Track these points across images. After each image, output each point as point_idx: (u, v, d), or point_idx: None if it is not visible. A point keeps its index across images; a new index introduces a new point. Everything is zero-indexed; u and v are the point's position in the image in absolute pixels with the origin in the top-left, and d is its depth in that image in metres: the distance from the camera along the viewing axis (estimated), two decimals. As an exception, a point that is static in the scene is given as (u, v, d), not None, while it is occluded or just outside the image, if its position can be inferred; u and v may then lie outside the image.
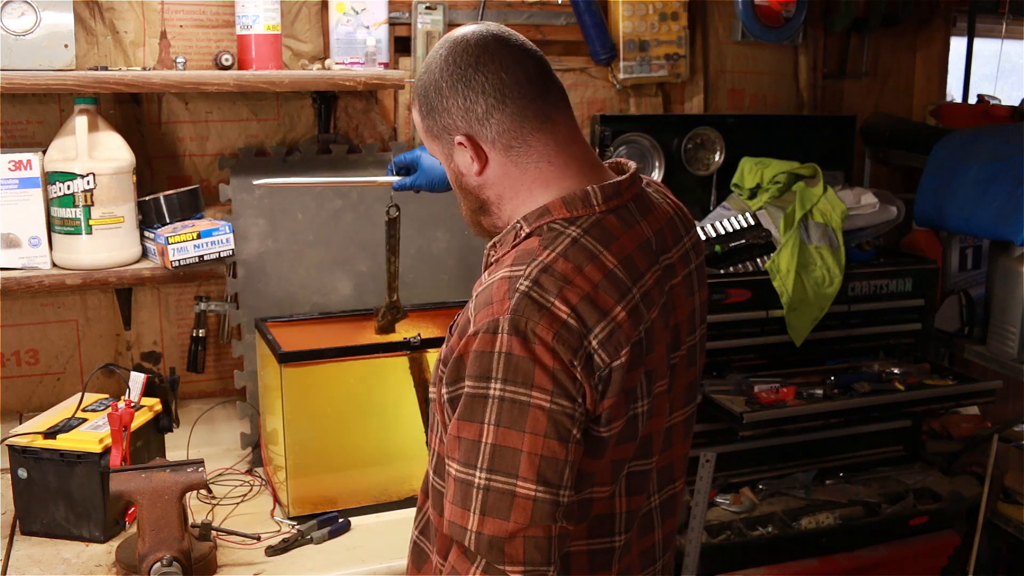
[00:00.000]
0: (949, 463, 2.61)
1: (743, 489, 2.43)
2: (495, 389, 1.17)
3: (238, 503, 2.14)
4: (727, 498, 2.40)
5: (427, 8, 2.49)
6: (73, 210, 2.10)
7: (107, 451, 1.92)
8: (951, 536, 2.53)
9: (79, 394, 2.08)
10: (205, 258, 2.19)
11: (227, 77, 2.16)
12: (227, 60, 2.27)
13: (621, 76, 2.74)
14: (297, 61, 2.43)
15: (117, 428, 1.92)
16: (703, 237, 2.45)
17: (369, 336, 2.22)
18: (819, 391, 2.38)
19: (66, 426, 1.98)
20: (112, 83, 2.08)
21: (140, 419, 2.01)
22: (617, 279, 1.23)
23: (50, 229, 2.14)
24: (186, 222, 2.24)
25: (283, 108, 2.49)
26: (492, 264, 1.33)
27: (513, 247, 1.29)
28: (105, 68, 2.19)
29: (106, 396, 2.16)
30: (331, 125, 2.51)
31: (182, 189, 2.29)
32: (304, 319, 2.31)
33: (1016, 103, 3.14)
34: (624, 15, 2.70)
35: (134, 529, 1.91)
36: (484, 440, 1.18)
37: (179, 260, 2.14)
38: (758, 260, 2.47)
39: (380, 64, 2.39)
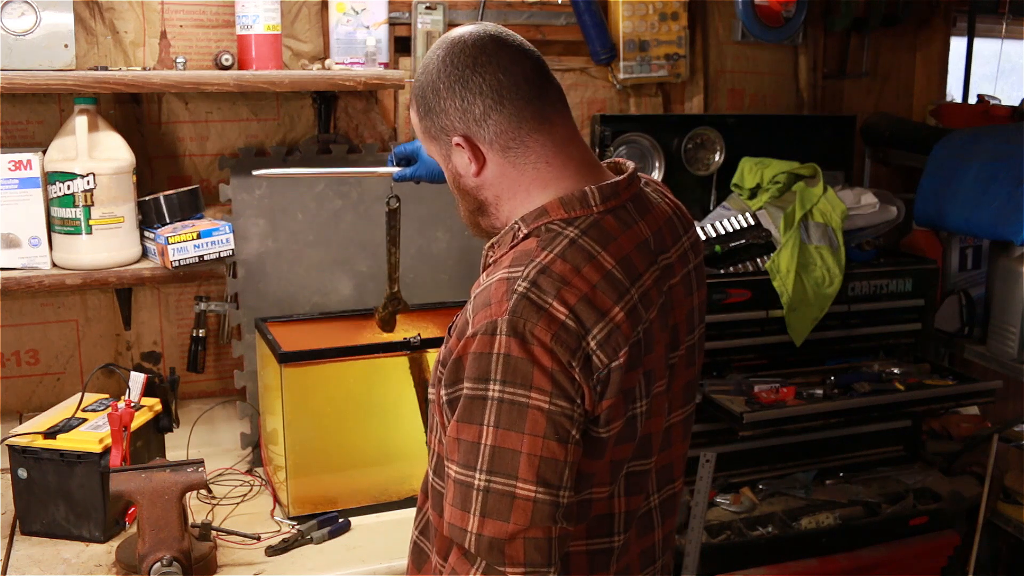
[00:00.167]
0: (949, 463, 2.61)
1: (743, 489, 2.43)
2: (494, 391, 1.17)
3: (238, 503, 2.14)
4: (727, 498, 2.40)
5: (427, 8, 2.49)
6: (73, 210, 2.10)
7: (107, 451, 1.92)
8: (951, 536, 2.53)
9: (79, 394, 2.08)
10: (205, 258, 2.19)
11: (227, 77, 2.17)
12: (227, 60, 2.27)
13: (621, 76, 2.74)
14: (297, 61, 2.43)
15: (117, 428, 1.92)
16: (703, 237, 2.45)
17: (369, 336, 2.22)
18: (819, 391, 2.38)
19: (66, 426, 1.98)
20: (112, 83, 2.08)
21: (140, 419, 2.01)
22: (615, 280, 1.23)
23: (50, 229, 2.14)
24: (186, 222, 2.24)
25: (283, 108, 2.49)
26: (490, 265, 1.33)
27: (511, 248, 1.29)
28: (105, 68, 2.19)
29: (106, 396, 2.16)
30: (331, 125, 2.51)
31: (182, 189, 2.29)
32: (304, 319, 2.31)
33: (1016, 103, 3.14)
34: (624, 15, 2.70)
35: (134, 529, 1.91)
36: (483, 442, 1.18)
37: (179, 260, 2.14)
38: (758, 260, 2.47)
39: (380, 64, 2.39)
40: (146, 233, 2.23)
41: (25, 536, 1.97)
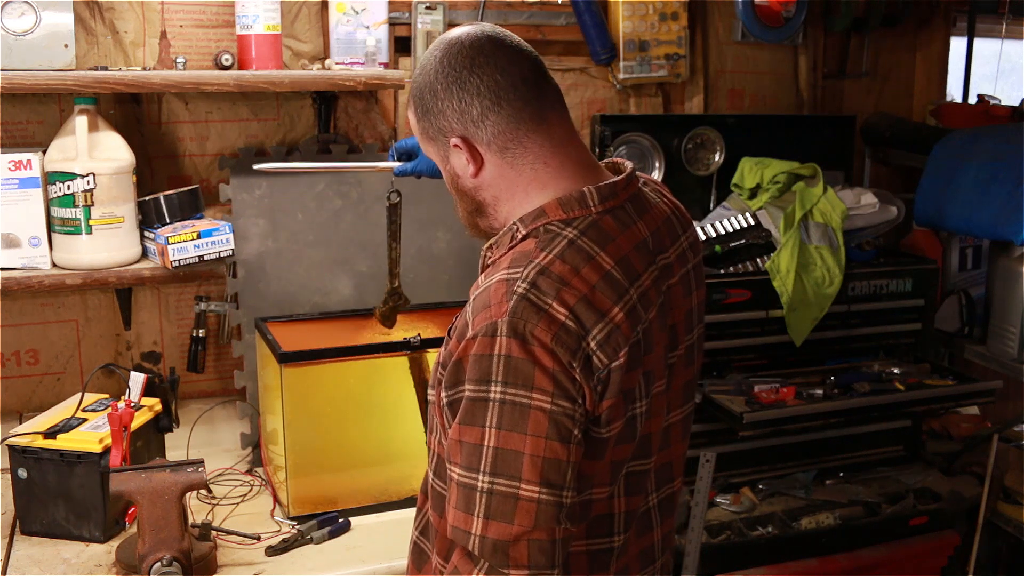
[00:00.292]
0: (949, 463, 2.61)
1: (743, 489, 2.43)
2: (495, 392, 1.17)
3: (238, 503, 2.14)
4: (727, 498, 2.40)
5: (427, 8, 2.49)
6: (73, 210, 2.10)
7: (107, 451, 1.92)
8: (951, 536, 2.53)
9: (79, 394, 2.08)
10: (205, 258, 2.19)
11: (227, 77, 2.17)
12: (227, 60, 2.27)
13: (621, 76, 2.74)
14: (297, 61, 2.43)
15: (117, 428, 1.92)
16: (703, 237, 2.45)
17: (369, 336, 2.22)
18: (819, 391, 2.38)
19: (66, 426, 1.98)
20: (112, 83, 2.08)
21: (140, 419, 2.01)
22: (614, 280, 1.23)
23: (50, 229, 2.14)
24: (186, 222, 2.24)
25: (283, 108, 2.49)
26: (489, 266, 1.33)
27: (510, 249, 1.29)
28: (105, 68, 2.20)
29: (106, 396, 2.16)
30: (331, 125, 2.51)
31: (182, 189, 2.29)
32: (304, 319, 2.31)
33: (1016, 103, 3.14)
34: (624, 15, 2.70)
35: (134, 529, 1.91)
36: (486, 444, 1.18)
37: (179, 260, 2.14)
38: (758, 260, 2.47)
39: (380, 64, 2.39)
40: (146, 233, 2.23)
41: (25, 536, 1.97)
